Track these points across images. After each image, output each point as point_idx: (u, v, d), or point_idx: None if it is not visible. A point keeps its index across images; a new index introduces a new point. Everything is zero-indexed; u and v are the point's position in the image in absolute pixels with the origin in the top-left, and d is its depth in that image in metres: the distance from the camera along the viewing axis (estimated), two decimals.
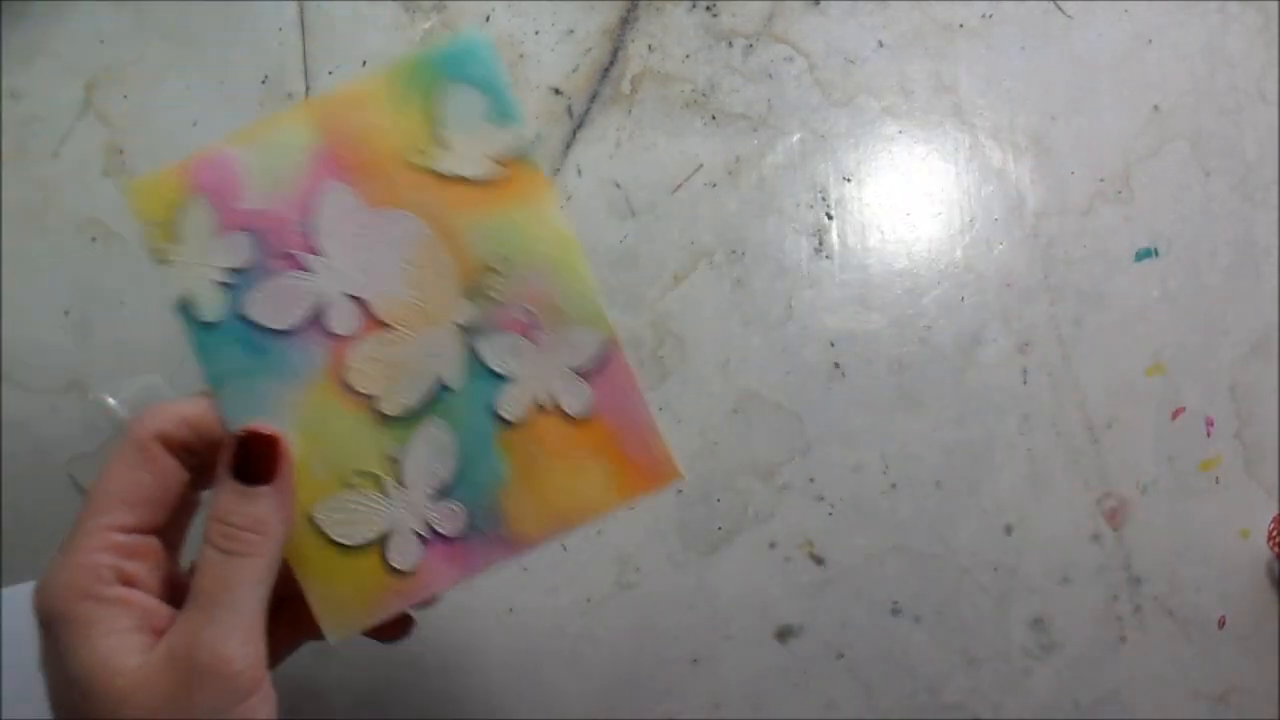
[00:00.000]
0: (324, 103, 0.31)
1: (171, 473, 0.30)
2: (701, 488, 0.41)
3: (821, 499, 0.41)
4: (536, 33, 0.43)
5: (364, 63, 0.43)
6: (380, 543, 0.31)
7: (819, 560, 0.41)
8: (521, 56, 0.43)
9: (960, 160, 0.44)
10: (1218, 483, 0.42)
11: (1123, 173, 0.44)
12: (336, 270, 0.31)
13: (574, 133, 0.43)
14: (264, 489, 0.29)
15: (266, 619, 0.29)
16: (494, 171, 0.32)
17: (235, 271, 0.31)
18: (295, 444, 0.31)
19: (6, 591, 0.39)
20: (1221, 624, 0.41)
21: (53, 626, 0.29)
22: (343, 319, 0.31)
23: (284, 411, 0.31)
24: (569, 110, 0.43)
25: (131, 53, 0.43)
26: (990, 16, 0.44)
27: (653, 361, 0.42)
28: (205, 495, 0.31)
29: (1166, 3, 0.45)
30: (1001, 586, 0.42)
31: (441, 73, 0.31)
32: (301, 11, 0.43)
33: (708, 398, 0.41)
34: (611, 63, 0.43)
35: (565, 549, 0.41)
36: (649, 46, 0.43)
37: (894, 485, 0.42)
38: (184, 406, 0.30)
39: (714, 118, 0.43)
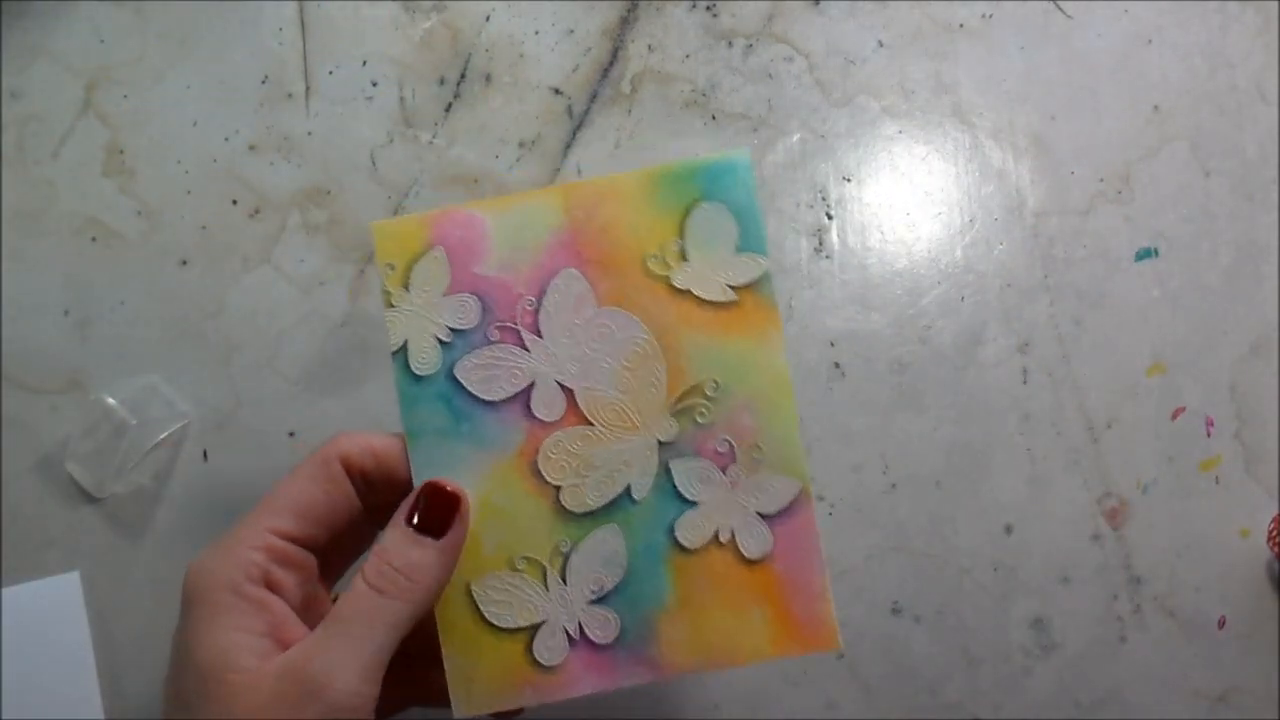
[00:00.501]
0: (578, 188, 0.32)
1: (343, 494, 0.31)
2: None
3: (821, 499, 0.41)
4: (536, 33, 0.43)
5: (363, 63, 0.43)
6: (529, 632, 0.31)
7: None
8: (521, 56, 0.43)
9: (960, 160, 0.44)
10: (1218, 483, 0.42)
11: (1123, 173, 0.44)
12: (554, 355, 0.32)
13: (574, 133, 0.43)
14: (432, 541, 0.30)
15: (390, 667, 0.29)
16: (728, 296, 0.32)
17: (456, 332, 0.31)
18: (473, 512, 0.31)
19: (6, 591, 0.39)
20: (1221, 624, 0.41)
21: (191, 607, 0.29)
22: (548, 405, 0.31)
23: (471, 478, 0.31)
24: (569, 110, 0.43)
25: (131, 53, 0.43)
26: (990, 16, 0.44)
27: None
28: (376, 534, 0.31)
29: (1166, 3, 0.45)
30: (1001, 586, 0.42)
31: (700, 187, 0.32)
32: (301, 11, 0.43)
33: None
34: (611, 63, 0.43)
35: None
36: (649, 46, 0.43)
37: (894, 485, 0.42)
38: (374, 438, 0.31)
39: (714, 118, 0.43)
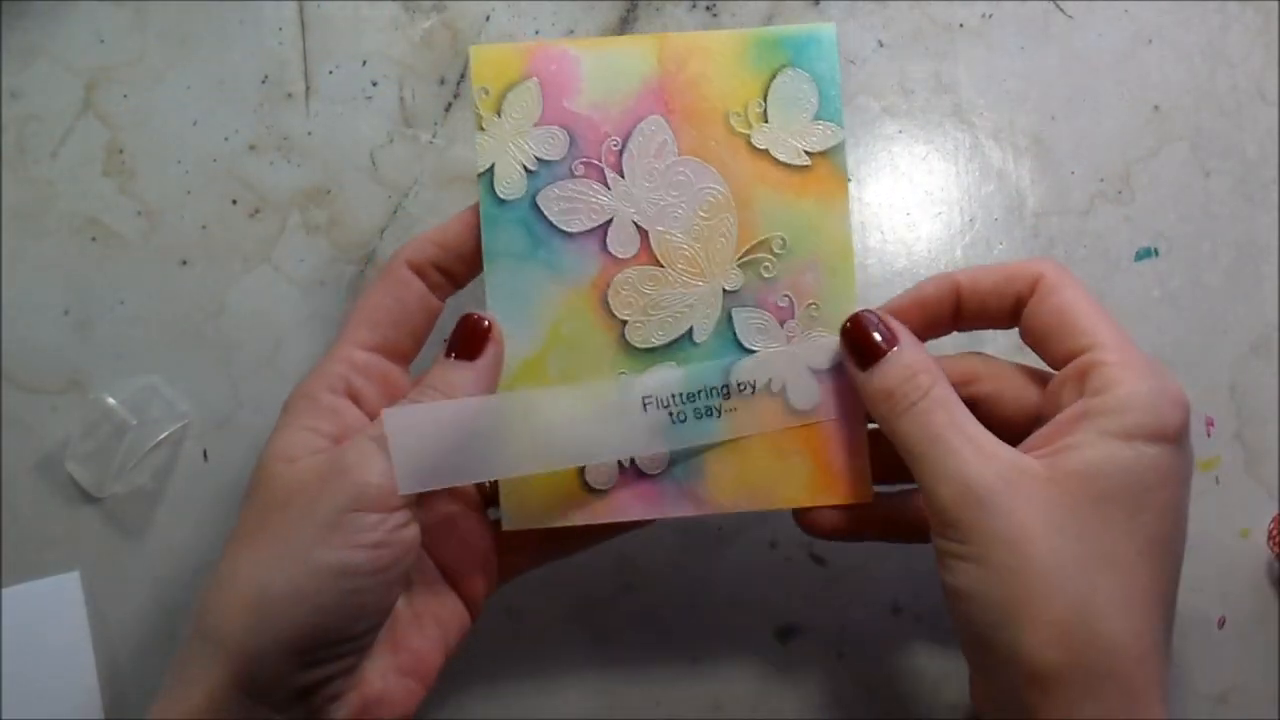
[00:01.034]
0: (673, 40, 0.33)
1: (414, 296, 0.32)
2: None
3: None
4: (536, 32, 0.43)
5: (363, 63, 0.43)
6: None
7: (819, 560, 0.41)
8: None
9: (960, 160, 0.44)
10: (1218, 483, 0.42)
11: (1123, 173, 0.44)
12: (633, 196, 0.33)
13: None
14: (468, 363, 0.31)
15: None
16: (802, 160, 0.33)
17: (543, 162, 0.33)
18: (541, 336, 0.32)
19: (6, 591, 0.39)
20: (1221, 624, 0.41)
21: (280, 416, 0.31)
22: (624, 242, 0.33)
23: (542, 303, 0.33)
24: None
25: (131, 53, 0.43)
26: (990, 16, 0.44)
27: None
28: None
29: (1166, 3, 0.45)
30: None
31: (788, 54, 0.33)
32: (301, 11, 0.43)
33: None
34: None
35: None
36: None
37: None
38: (431, 232, 0.33)
39: None
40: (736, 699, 0.40)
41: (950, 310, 0.33)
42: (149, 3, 0.43)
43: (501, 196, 0.33)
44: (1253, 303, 0.43)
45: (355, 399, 0.31)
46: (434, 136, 0.43)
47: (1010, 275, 0.32)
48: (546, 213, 0.33)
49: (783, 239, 0.33)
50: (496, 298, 0.32)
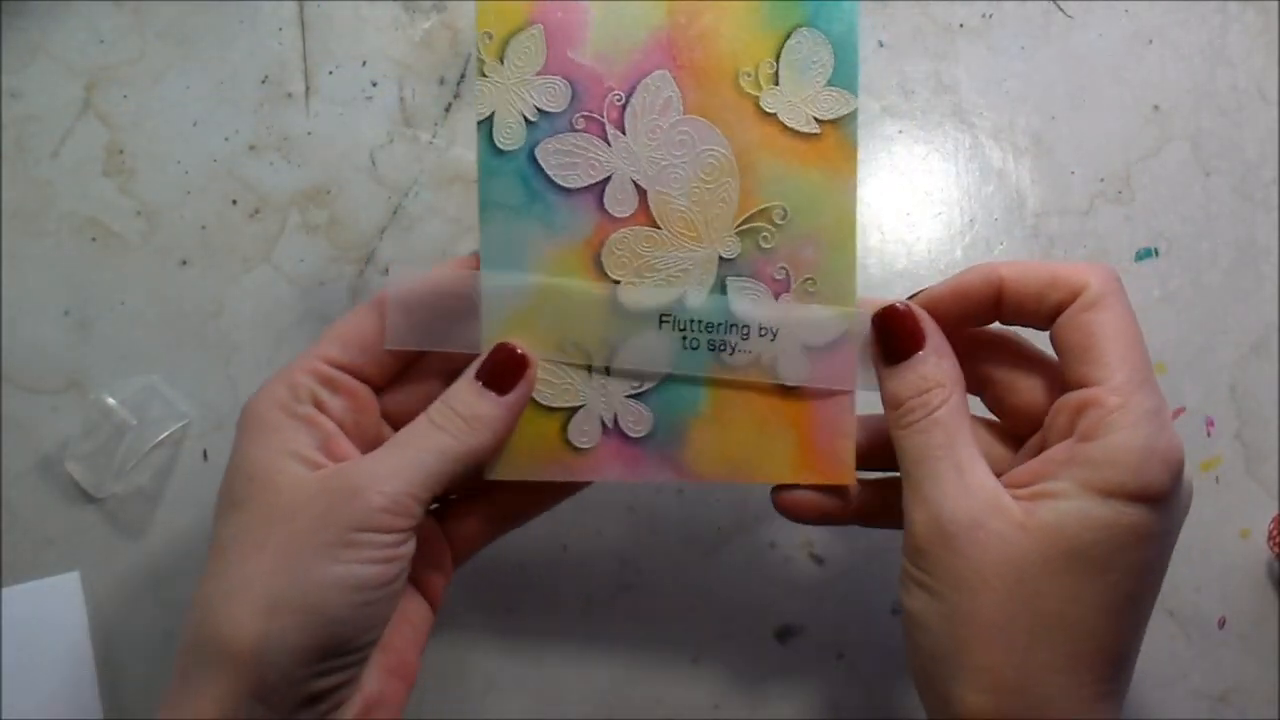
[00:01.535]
0: None
1: None
2: (702, 487, 0.41)
3: None
4: None
5: (363, 63, 0.43)
6: (567, 413, 0.32)
7: (819, 560, 0.41)
8: None
9: (960, 160, 0.44)
10: (1218, 483, 0.42)
11: (1123, 173, 0.44)
12: (634, 154, 0.32)
13: None
14: (496, 397, 0.31)
15: (454, 508, 0.33)
16: (811, 128, 0.32)
17: (543, 113, 0.32)
18: (532, 290, 0.32)
19: (6, 591, 0.39)
20: (1221, 624, 0.41)
21: (244, 430, 0.31)
22: (621, 201, 0.32)
23: (534, 258, 0.32)
24: None
25: (131, 53, 0.43)
26: (990, 16, 0.44)
27: None
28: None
29: (1166, 3, 0.45)
30: None
31: (805, 12, 0.32)
32: (301, 11, 0.43)
33: None
34: None
35: (565, 549, 0.41)
36: None
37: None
38: (434, 270, 0.32)
39: None
40: (736, 699, 0.40)
41: (991, 304, 0.31)
42: (149, 3, 0.43)
43: (500, 147, 0.31)
44: (1253, 303, 0.43)
45: (323, 412, 0.31)
46: (434, 136, 0.43)
47: (1055, 280, 0.30)
48: (544, 166, 0.32)
49: (784, 209, 0.32)
50: (489, 250, 0.32)
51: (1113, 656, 0.28)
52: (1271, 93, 0.44)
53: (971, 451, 0.29)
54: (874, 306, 0.32)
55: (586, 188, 0.32)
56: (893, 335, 0.31)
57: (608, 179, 0.32)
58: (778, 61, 0.32)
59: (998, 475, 0.29)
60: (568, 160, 0.32)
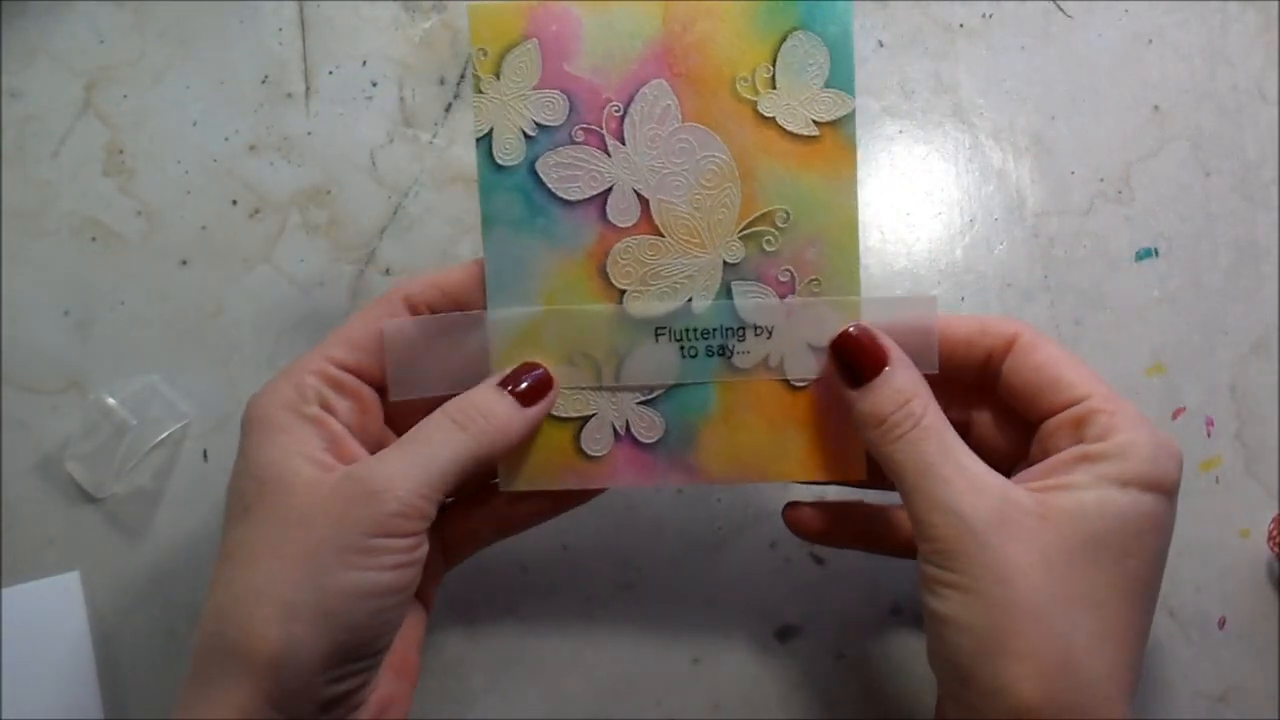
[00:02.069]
0: (679, 2, 0.32)
1: None
2: (702, 487, 0.41)
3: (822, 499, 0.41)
4: None
5: (363, 63, 0.43)
6: (579, 422, 0.33)
7: (819, 560, 0.41)
8: None
9: (960, 160, 0.44)
10: (1218, 483, 0.42)
11: (1123, 173, 0.44)
12: (634, 164, 0.32)
13: None
14: (518, 405, 0.31)
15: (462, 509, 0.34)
16: (810, 130, 0.32)
17: (542, 127, 0.32)
18: (539, 304, 0.32)
19: (6, 592, 0.39)
20: (1221, 624, 0.41)
21: (250, 430, 0.30)
22: (623, 211, 0.32)
23: (539, 271, 0.32)
24: None
25: (131, 53, 0.43)
26: (990, 16, 0.44)
27: None
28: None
29: (1166, 3, 0.45)
30: None
31: (799, 15, 0.32)
32: (301, 11, 0.43)
33: None
34: None
35: (565, 548, 0.41)
36: None
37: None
38: (438, 275, 0.32)
39: None
40: (736, 699, 0.40)
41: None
42: (149, 3, 0.43)
43: (500, 162, 0.32)
44: (1253, 303, 0.43)
45: (329, 413, 0.31)
46: (434, 136, 0.43)
47: (984, 329, 0.32)
48: (545, 179, 0.32)
49: (786, 212, 0.32)
50: (494, 265, 0.32)
51: (1136, 639, 0.29)
52: (1271, 93, 0.44)
53: (965, 450, 0.30)
54: (880, 304, 0.33)
55: (588, 199, 0.32)
56: (856, 357, 0.31)
57: (609, 190, 0.32)
58: (774, 65, 0.32)
59: None
60: (568, 173, 0.32)
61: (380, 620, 0.29)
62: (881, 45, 0.44)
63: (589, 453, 0.33)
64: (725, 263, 0.32)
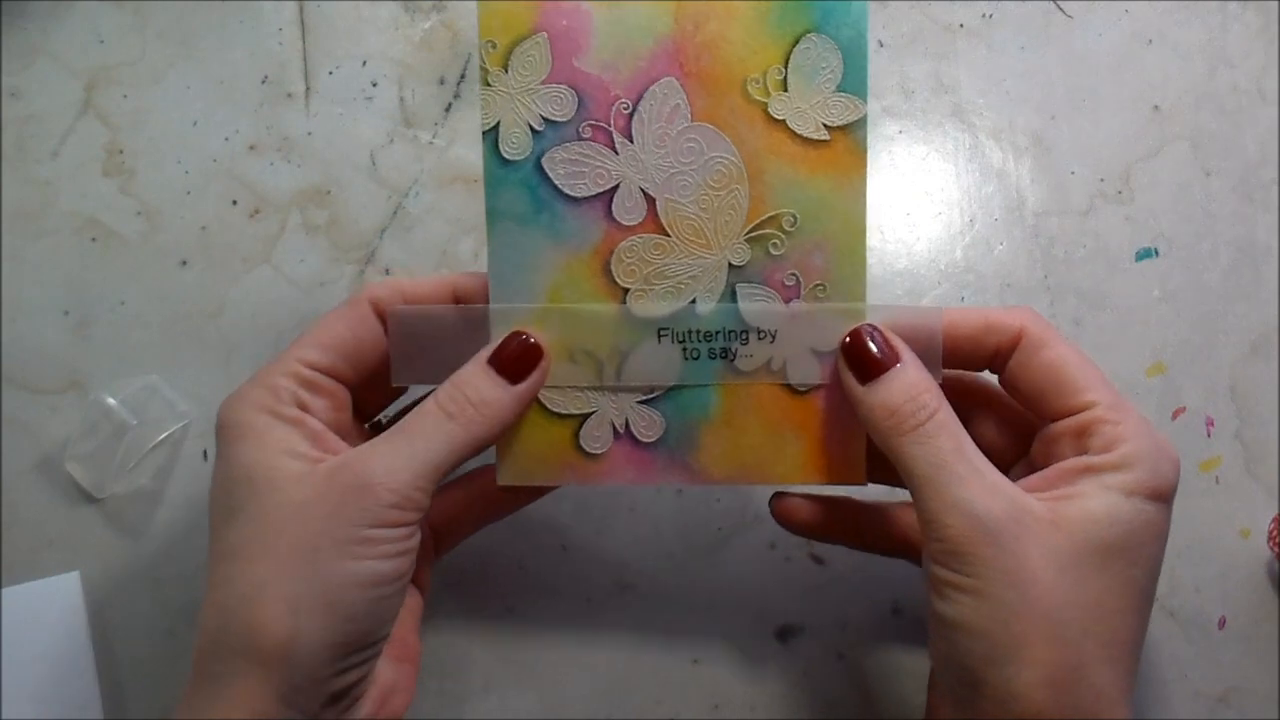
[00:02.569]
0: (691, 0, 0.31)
1: (369, 332, 0.32)
2: (701, 488, 0.41)
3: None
4: None
5: (363, 63, 0.43)
6: (579, 420, 0.33)
7: (819, 560, 0.41)
8: None
9: (960, 160, 0.44)
10: (1218, 483, 0.42)
11: (1123, 173, 0.44)
12: (641, 162, 0.32)
13: None
14: (508, 384, 0.31)
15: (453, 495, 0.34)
16: (820, 134, 0.32)
17: (549, 122, 0.32)
18: (541, 302, 0.32)
19: (6, 591, 0.39)
20: (1221, 624, 0.41)
21: (230, 432, 0.30)
22: (630, 209, 0.32)
23: (543, 267, 0.32)
24: None
25: (131, 53, 0.43)
26: (990, 16, 0.44)
27: None
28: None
29: (1166, 3, 0.45)
30: None
31: (813, 18, 0.31)
32: (301, 11, 0.43)
33: None
34: None
35: (565, 549, 0.41)
36: None
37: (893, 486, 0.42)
38: (405, 282, 0.33)
39: None
40: (736, 699, 0.40)
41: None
42: (149, 3, 0.43)
43: (506, 156, 0.31)
44: (1253, 303, 0.43)
45: (306, 412, 0.31)
46: (434, 136, 0.43)
47: (990, 325, 0.32)
48: (551, 175, 0.32)
49: (794, 216, 0.32)
50: (497, 261, 0.32)
51: (1136, 647, 0.29)
52: (1271, 93, 0.44)
53: (978, 452, 0.30)
54: (886, 312, 0.32)
55: (595, 196, 0.32)
56: (868, 353, 0.31)
57: (616, 187, 0.32)
58: (786, 67, 0.31)
59: None
60: (575, 169, 0.32)
61: (379, 609, 0.29)
62: (881, 45, 0.44)
63: (588, 450, 0.33)
64: (730, 265, 0.32)
